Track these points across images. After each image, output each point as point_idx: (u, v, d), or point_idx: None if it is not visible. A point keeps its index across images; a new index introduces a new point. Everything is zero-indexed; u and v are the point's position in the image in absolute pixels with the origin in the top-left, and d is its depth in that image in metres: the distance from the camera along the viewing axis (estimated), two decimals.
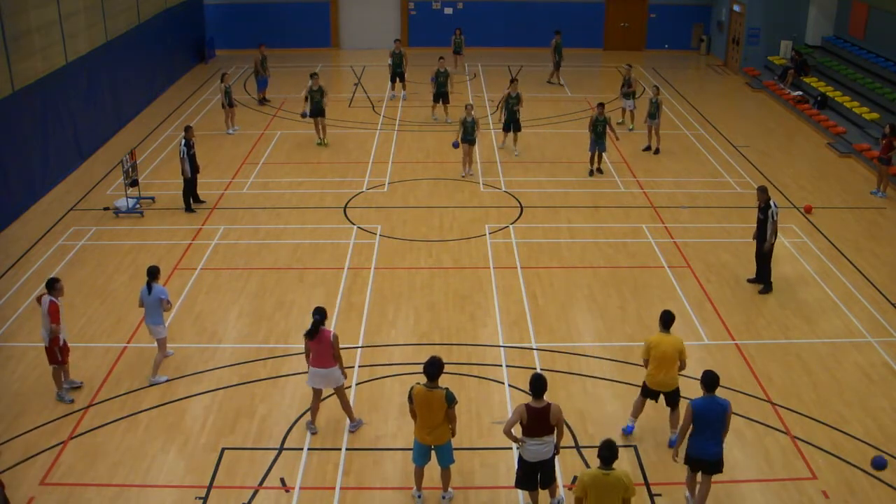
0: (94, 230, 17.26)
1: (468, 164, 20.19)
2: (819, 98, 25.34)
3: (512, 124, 21.48)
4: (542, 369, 12.45)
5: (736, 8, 31.24)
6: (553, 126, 24.23)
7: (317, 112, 22.10)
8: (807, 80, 27.15)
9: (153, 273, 12.09)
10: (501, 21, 33.94)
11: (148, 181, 19.73)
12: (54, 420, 11.41)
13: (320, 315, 10.60)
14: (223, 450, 10.86)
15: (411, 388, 9.56)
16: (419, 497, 9.92)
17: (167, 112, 25.47)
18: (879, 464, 9.83)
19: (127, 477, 10.38)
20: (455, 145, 20.19)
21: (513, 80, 21.87)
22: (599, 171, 20.38)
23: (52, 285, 11.60)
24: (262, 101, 26.39)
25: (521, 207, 18.37)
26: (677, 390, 10.87)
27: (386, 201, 18.78)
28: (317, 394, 11.03)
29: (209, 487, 10.20)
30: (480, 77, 29.81)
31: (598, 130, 19.79)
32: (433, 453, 9.76)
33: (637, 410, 11.15)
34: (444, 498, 9.91)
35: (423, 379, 9.55)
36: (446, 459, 9.77)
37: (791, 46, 29.32)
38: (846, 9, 28.01)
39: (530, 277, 15.31)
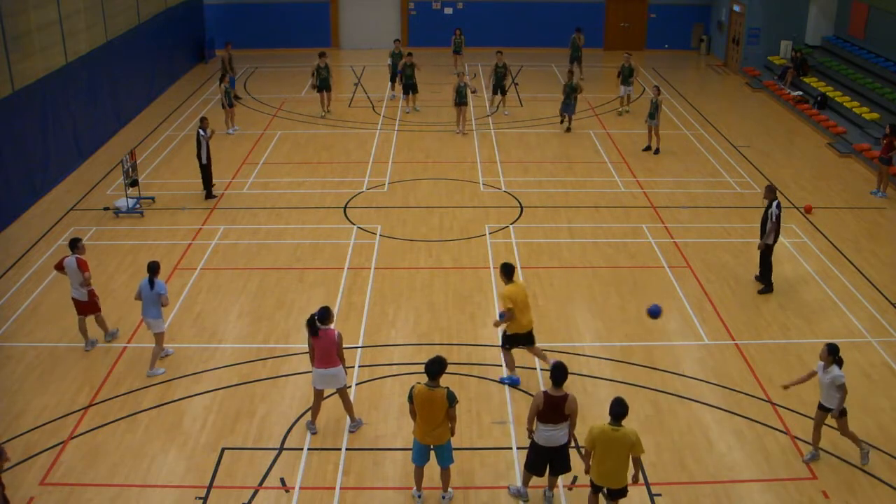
0: (94, 230, 17.26)
1: (462, 122, 23.32)
2: (819, 98, 25.33)
3: (499, 89, 24.87)
4: (541, 369, 12.47)
5: (736, 8, 31.23)
6: (553, 126, 24.23)
7: (323, 86, 24.63)
8: (807, 80, 27.15)
9: (154, 268, 12.26)
10: (501, 21, 33.92)
11: (148, 181, 19.74)
12: (54, 420, 11.42)
13: (321, 313, 10.61)
14: (223, 450, 10.86)
15: (412, 388, 9.56)
16: (419, 497, 9.92)
17: (167, 112, 25.47)
18: (653, 311, 10.97)
19: (127, 477, 10.38)
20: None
21: (499, 52, 24.91)
22: (569, 129, 23.68)
23: (76, 244, 12.91)
24: (235, 97, 26.44)
25: (521, 207, 18.37)
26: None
27: (386, 201, 18.78)
28: (319, 394, 11.03)
29: (209, 487, 10.20)
30: (480, 77, 29.79)
31: (568, 92, 23.26)
32: (433, 453, 9.77)
33: (512, 364, 12.23)
34: (443, 498, 9.91)
35: (424, 378, 9.55)
36: (446, 459, 9.77)
37: (791, 46, 29.31)
38: (846, 9, 28.01)
39: (530, 277, 15.30)
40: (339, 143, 22.66)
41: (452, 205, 18.55)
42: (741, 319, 14.02)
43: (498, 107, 25.62)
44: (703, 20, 34.21)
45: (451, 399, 9.41)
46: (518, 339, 12.00)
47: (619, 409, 8.86)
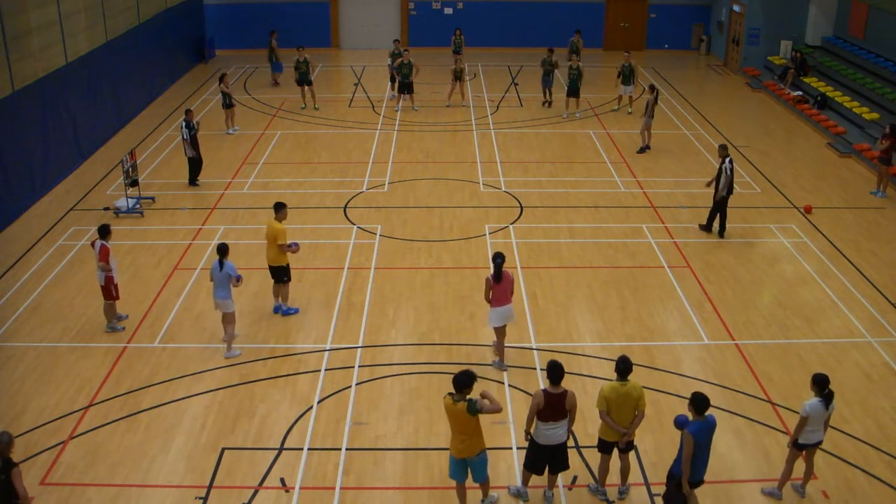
0: (94, 230, 17.22)
1: (451, 96, 26.12)
2: (819, 98, 25.34)
3: (572, 92, 24.91)
4: (541, 369, 12.47)
5: (736, 8, 31.23)
6: (553, 126, 24.24)
7: (302, 81, 25.22)
8: (807, 80, 27.15)
9: (223, 250, 12.65)
10: (501, 21, 33.93)
11: (148, 181, 19.74)
12: (54, 420, 11.42)
13: (502, 258, 11.97)
14: (223, 450, 10.86)
15: (443, 398, 9.43)
16: None
17: (167, 112, 25.47)
18: (680, 422, 9.22)
19: (127, 477, 10.39)
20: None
21: (574, 55, 26.21)
22: (549, 104, 26.07)
23: (103, 232, 13.49)
24: (275, 83, 28.43)
25: (521, 207, 18.37)
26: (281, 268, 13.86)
27: (386, 201, 18.78)
28: (500, 332, 12.32)
29: (209, 487, 10.20)
30: (480, 77, 29.81)
31: (546, 69, 25.70)
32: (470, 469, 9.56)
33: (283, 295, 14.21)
34: (482, 502, 9.82)
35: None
36: (480, 475, 9.55)
37: (791, 46, 29.32)
38: (846, 9, 28.02)
39: (530, 277, 15.31)
40: (339, 143, 22.66)
41: (452, 205, 18.55)
42: (741, 319, 14.03)
43: (568, 109, 25.22)
44: (703, 20, 34.21)
45: (472, 410, 9.06)
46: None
47: (624, 366, 9.51)
